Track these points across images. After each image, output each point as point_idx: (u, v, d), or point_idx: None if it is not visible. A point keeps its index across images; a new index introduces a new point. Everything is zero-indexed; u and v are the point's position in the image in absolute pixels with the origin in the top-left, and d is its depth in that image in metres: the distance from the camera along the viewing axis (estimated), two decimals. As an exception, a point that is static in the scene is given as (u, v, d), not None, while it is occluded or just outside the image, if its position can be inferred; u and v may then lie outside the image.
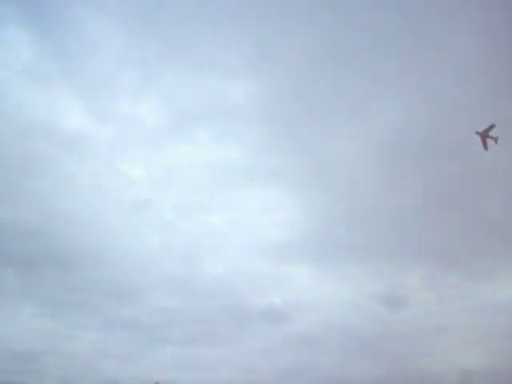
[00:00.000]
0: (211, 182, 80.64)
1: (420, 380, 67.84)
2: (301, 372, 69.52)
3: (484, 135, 66.93)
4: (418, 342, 70.71)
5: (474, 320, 70.84)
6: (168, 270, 75.50)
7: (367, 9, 75.38)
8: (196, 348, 71.81)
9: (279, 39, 78.63)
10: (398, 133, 74.79)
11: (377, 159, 78.20)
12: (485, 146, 67.55)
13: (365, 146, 78.44)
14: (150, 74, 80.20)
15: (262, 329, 74.35)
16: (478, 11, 73.17)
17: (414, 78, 75.51)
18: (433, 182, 76.03)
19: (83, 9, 76.93)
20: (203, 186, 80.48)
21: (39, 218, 72.62)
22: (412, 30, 74.81)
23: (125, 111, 79.78)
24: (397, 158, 76.88)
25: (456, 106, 72.81)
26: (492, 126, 66.44)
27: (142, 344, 70.67)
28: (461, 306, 72.08)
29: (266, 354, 70.91)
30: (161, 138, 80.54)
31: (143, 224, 78.76)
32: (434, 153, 75.36)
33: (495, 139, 67.14)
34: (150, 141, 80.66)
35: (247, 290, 76.23)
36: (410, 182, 76.83)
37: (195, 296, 74.17)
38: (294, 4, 77.85)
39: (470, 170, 72.83)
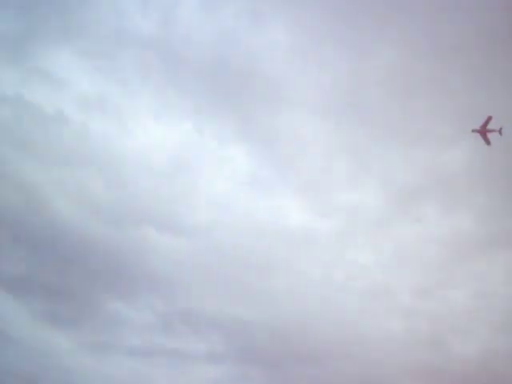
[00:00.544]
0: (446, 257, 76.81)
1: None
2: None
3: (483, 131, 64.60)
4: None
5: None
6: (414, 355, 71.71)
7: None
8: None
9: (488, 99, 75.24)
10: None
11: None
12: (487, 141, 65.58)
13: None
14: (363, 159, 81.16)
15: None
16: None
17: None
18: None
19: (289, 112, 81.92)
20: (438, 262, 76.88)
21: (278, 316, 75.01)
22: None
23: (344, 200, 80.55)
24: None
25: None
26: (489, 119, 63.90)
27: None
28: None
29: None
30: (385, 220, 79.42)
31: (381, 310, 76.38)
32: None
33: (499, 131, 64.48)
34: (374, 225, 79.79)
35: (506, 370, 68.78)
36: None
37: (448, 381, 69.77)
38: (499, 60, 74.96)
39: None
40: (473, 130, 66.41)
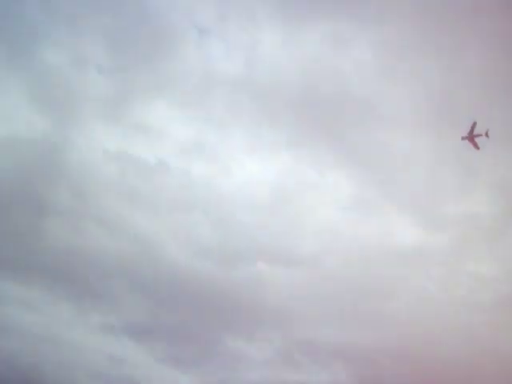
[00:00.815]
0: None
1: None
2: None
3: (471, 137, 66.56)
4: None
5: None
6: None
7: None
8: None
9: None
10: None
11: None
12: (476, 146, 67.54)
13: None
14: (469, 166, 77.67)
15: None
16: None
17: None
18: None
19: (384, 129, 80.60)
20: None
21: (399, 339, 72.12)
22: None
23: (455, 211, 78.04)
24: None
25: None
26: (474, 124, 65.92)
27: None
28: None
29: None
30: (502, 227, 76.00)
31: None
32: None
33: (485, 134, 66.21)
34: (491, 233, 76.30)
35: None
36: None
37: None
38: None
39: None
40: (462, 138, 67.92)
